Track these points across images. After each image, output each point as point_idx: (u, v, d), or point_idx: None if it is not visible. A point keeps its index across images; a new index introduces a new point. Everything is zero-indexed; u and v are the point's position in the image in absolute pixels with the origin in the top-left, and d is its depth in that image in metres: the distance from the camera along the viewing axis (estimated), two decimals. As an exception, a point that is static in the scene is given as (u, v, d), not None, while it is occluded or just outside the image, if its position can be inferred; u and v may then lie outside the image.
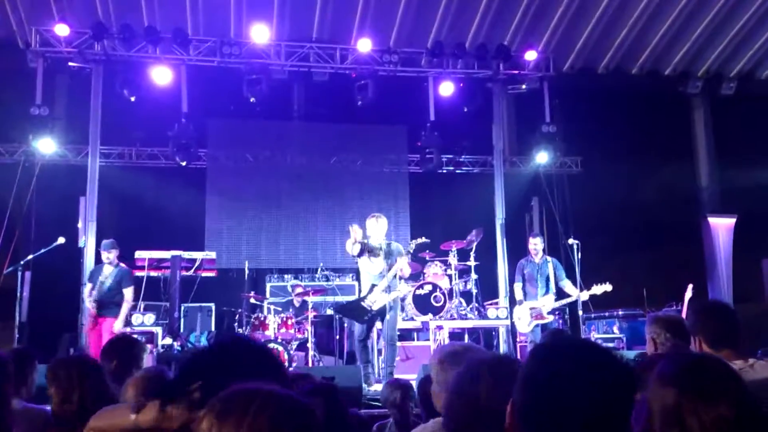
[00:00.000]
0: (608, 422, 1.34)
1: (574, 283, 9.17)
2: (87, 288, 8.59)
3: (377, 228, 7.94)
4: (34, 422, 3.65)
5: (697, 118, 14.19)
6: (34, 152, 10.92)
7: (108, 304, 8.37)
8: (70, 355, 5.86)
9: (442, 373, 2.97)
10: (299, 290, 10.40)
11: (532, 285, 9.10)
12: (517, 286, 9.29)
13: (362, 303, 7.81)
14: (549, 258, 9.31)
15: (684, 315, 9.00)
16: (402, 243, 11.88)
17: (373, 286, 7.82)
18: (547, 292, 9.00)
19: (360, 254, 7.87)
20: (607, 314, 10.81)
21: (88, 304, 8.30)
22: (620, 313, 10.67)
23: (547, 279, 9.06)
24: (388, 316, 7.78)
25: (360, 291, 8.34)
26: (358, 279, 8.33)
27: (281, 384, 1.65)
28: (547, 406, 1.35)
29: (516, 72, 12.15)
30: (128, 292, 8.48)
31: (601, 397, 1.34)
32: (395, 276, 7.78)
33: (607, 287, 8.99)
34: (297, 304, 10.04)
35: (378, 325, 8.19)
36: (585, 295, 8.98)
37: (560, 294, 9.08)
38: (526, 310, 9.01)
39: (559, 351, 1.43)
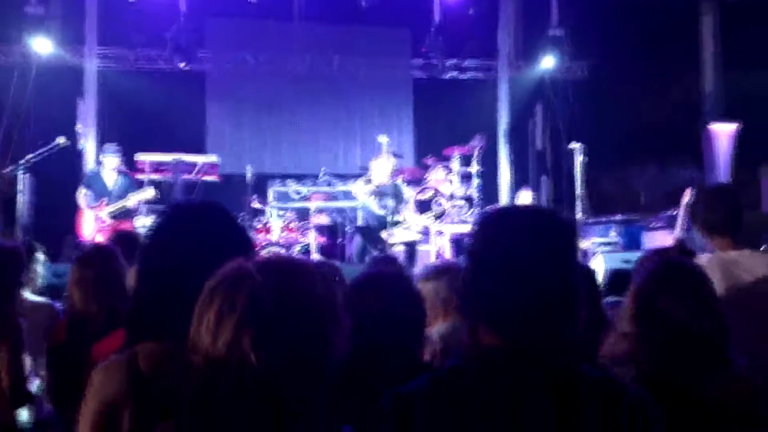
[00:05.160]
0: (555, 272, 1.38)
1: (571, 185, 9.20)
2: (83, 192, 8.42)
3: (385, 166, 7.98)
4: (41, 315, 3.73)
5: (706, 23, 13.85)
6: (30, 53, 10.71)
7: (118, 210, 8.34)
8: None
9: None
10: (304, 193, 10.39)
11: None
12: None
13: (382, 233, 7.89)
14: None
15: (680, 219, 9.07)
16: (404, 149, 11.98)
17: (397, 222, 7.90)
18: None
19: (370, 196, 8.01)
20: (604, 219, 10.86)
21: (102, 214, 8.24)
22: (618, 218, 10.73)
23: None
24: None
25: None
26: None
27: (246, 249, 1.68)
28: (496, 266, 1.39)
29: (524, -28, 11.82)
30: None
31: (547, 244, 1.39)
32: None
33: None
34: (313, 209, 10.00)
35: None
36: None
37: None
38: None
39: (498, 216, 1.49)
